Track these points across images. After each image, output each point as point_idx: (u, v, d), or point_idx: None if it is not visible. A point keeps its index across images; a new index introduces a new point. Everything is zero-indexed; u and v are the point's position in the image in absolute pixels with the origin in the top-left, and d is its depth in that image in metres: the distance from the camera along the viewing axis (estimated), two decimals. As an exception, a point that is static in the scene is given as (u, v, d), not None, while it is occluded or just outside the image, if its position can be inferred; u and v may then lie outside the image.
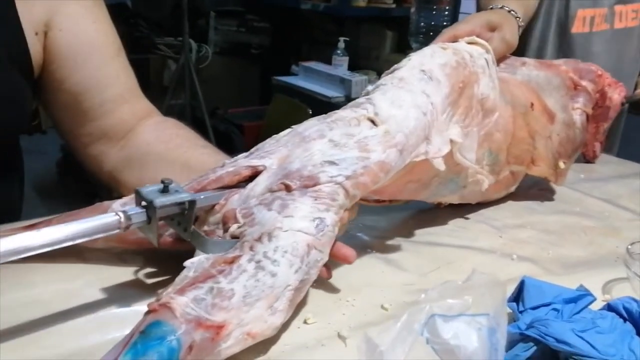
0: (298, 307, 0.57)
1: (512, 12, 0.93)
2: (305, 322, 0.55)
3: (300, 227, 0.51)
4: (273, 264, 0.49)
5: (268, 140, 0.62)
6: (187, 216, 0.53)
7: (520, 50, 1.12)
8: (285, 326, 0.54)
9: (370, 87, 0.68)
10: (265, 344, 0.51)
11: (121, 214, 0.50)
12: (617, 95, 1.03)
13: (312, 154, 0.57)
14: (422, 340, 0.40)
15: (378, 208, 0.76)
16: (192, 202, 0.53)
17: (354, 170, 0.56)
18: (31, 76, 0.75)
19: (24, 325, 0.51)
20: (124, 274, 0.61)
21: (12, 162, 0.84)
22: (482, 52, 0.77)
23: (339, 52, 2.85)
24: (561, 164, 0.89)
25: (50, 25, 0.75)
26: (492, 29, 0.86)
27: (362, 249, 0.71)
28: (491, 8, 0.95)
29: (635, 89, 1.45)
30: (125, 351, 0.40)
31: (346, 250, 0.59)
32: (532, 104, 0.85)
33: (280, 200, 0.53)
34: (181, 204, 0.52)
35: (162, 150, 0.77)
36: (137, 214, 0.51)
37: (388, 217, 0.81)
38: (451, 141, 0.68)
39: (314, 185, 0.55)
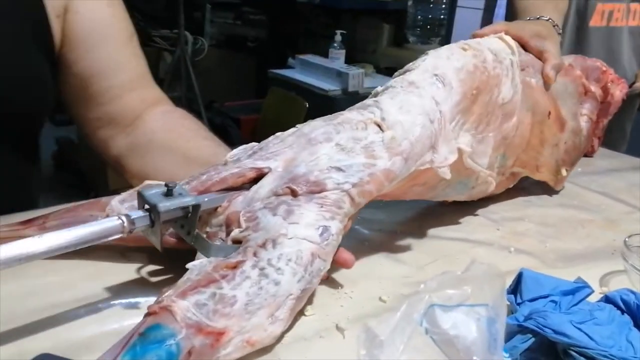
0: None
1: (556, 26, 0.94)
2: (303, 314, 0.55)
3: (305, 235, 0.50)
4: (277, 272, 0.48)
5: (272, 139, 0.61)
6: (190, 220, 0.52)
7: None
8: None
9: (379, 89, 0.66)
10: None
11: (124, 219, 0.49)
12: (619, 91, 1.03)
13: (318, 158, 0.56)
14: (421, 331, 0.39)
15: (375, 201, 0.76)
16: (196, 207, 0.52)
17: (360, 177, 0.55)
18: (52, 58, 0.76)
19: (21, 315, 0.51)
20: (125, 270, 0.60)
21: (34, 150, 0.85)
22: (508, 52, 0.75)
23: (335, 45, 2.85)
24: (563, 172, 0.89)
25: (68, 8, 0.76)
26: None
27: (360, 242, 0.71)
28: (538, 18, 0.96)
29: (634, 82, 1.46)
30: (124, 352, 0.40)
31: (346, 255, 0.59)
32: (549, 113, 0.84)
33: (285, 206, 0.52)
34: (185, 208, 0.51)
35: (165, 138, 0.77)
36: (140, 218, 0.50)
37: (386, 210, 0.81)
38: (459, 149, 0.66)
39: (320, 191, 0.54)
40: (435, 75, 0.65)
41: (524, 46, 0.84)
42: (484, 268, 0.45)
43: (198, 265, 0.50)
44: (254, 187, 0.56)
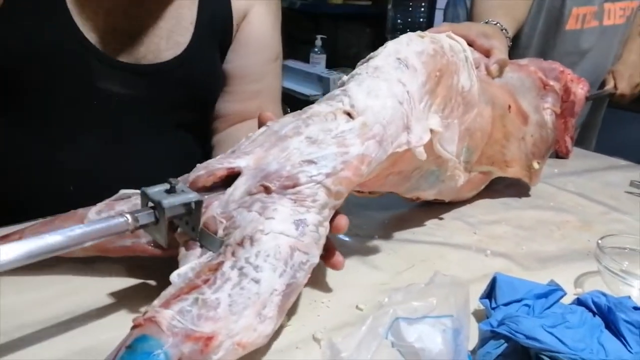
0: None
1: (504, 30, 0.97)
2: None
3: (281, 230, 0.50)
4: (256, 269, 0.48)
5: (244, 140, 0.61)
6: (194, 216, 0.52)
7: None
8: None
9: (345, 78, 0.66)
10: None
11: (129, 216, 0.49)
12: (580, 89, 1.05)
13: (289, 154, 0.56)
14: (387, 344, 0.39)
15: (353, 206, 0.76)
16: (198, 203, 0.52)
17: (333, 166, 0.55)
18: (224, 54, 0.91)
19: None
20: (102, 285, 0.60)
21: (206, 134, 0.97)
22: (460, 48, 0.76)
23: (316, 50, 2.85)
24: (535, 165, 0.90)
25: (245, 18, 0.91)
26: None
27: (337, 247, 0.70)
28: (486, 22, 0.99)
29: (603, 85, 1.48)
30: None
31: (336, 257, 0.59)
32: (509, 107, 0.85)
33: (260, 203, 0.53)
34: (187, 204, 0.52)
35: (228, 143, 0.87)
36: (145, 215, 0.50)
37: (364, 215, 0.81)
38: (431, 131, 0.66)
39: (294, 186, 0.54)
40: (398, 59, 0.66)
41: (471, 45, 0.85)
42: (447, 279, 0.45)
43: (182, 274, 0.50)
44: (229, 190, 0.56)
